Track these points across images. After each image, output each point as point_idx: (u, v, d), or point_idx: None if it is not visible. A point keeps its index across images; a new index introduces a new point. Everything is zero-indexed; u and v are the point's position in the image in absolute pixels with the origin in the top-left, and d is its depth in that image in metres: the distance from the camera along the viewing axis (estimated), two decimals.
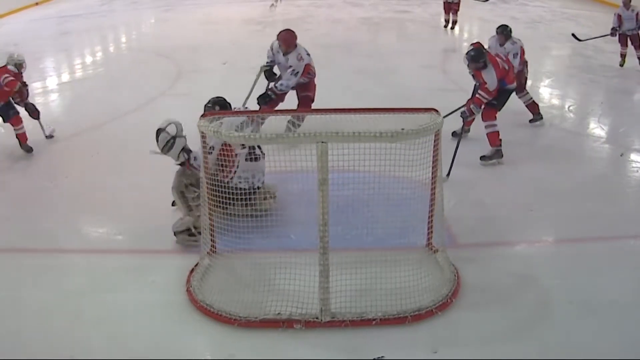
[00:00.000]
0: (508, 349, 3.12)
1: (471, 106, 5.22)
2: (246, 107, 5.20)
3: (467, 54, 5.18)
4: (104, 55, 10.64)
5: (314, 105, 5.68)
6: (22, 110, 5.80)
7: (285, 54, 5.59)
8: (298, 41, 5.66)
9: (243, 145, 4.08)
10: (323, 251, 3.18)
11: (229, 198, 3.60)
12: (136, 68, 9.21)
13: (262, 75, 5.81)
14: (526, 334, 3.24)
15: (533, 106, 6.26)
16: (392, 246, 3.85)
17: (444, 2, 11.18)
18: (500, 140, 5.31)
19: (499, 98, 5.26)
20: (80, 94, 8.08)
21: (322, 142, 3.05)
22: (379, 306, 3.33)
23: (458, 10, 11.07)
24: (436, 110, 3.44)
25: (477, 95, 5.20)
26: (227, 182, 3.96)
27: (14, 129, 5.67)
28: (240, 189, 3.90)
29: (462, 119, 5.29)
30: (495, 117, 5.31)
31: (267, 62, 5.78)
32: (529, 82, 6.51)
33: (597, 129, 6.50)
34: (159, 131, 3.91)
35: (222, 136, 3.26)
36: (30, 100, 5.96)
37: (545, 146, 5.89)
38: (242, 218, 3.68)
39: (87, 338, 3.28)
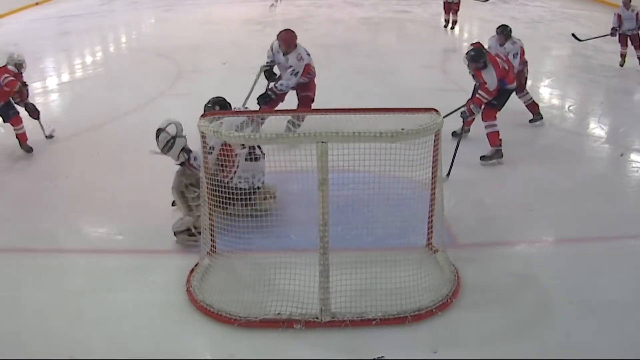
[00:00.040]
0: (508, 349, 3.12)
1: (471, 106, 5.22)
2: (246, 107, 5.20)
3: (467, 54, 5.18)
4: (104, 55, 10.64)
5: (314, 105, 5.68)
6: (22, 111, 5.79)
7: (285, 54, 5.59)
8: (298, 41, 5.66)
9: (243, 145, 4.08)
10: (323, 251, 3.18)
11: (229, 198, 3.60)
12: (136, 68, 9.21)
13: (262, 75, 5.81)
14: (526, 334, 3.24)
15: (533, 106, 6.26)
16: (392, 246, 3.85)
17: (444, 2, 11.18)
18: (500, 140, 5.31)
19: (499, 98, 5.26)
20: (80, 94, 8.08)
21: (322, 142, 3.05)
22: (379, 306, 3.33)
23: (458, 10, 11.06)
24: (436, 110, 3.44)
25: (477, 96, 5.20)
26: (227, 182, 3.96)
27: (14, 129, 5.66)
28: (240, 189, 3.90)
29: (462, 119, 5.29)
30: (495, 117, 5.31)
31: (267, 62, 5.78)
32: (529, 82, 6.52)
33: (597, 129, 6.50)
34: (159, 131, 3.91)
35: (222, 136, 3.26)
36: (30, 100, 5.95)
37: (545, 146, 5.89)
38: (242, 218, 3.68)
39: (87, 338, 3.28)
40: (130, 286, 3.72)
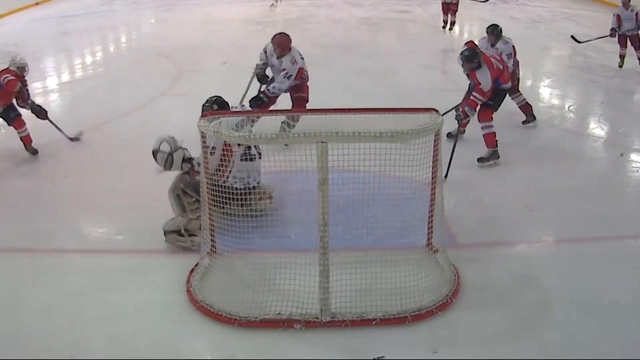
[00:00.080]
0: (508, 349, 3.12)
1: (466, 109, 5.17)
2: (243, 106, 5.19)
3: (461, 54, 5.15)
4: (104, 55, 10.64)
5: (311, 106, 5.67)
6: (28, 113, 5.77)
7: (279, 57, 5.57)
8: (297, 42, 5.65)
9: (239, 144, 4.08)
10: (323, 251, 3.18)
11: (225, 198, 3.61)
12: (136, 68, 9.21)
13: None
14: (526, 334, 3.24)
15: (526, 107, 6.19)
16: (392, 246, 3.85)
17: (442, 3, 11.14)
18: (497, 141, 5.30)
19: (495, 98, 5.23)
20: (80, 94, 8.08)
21: (322, 142, 3.05)
22: (379, 306, 3.33)
23: (456, 11, 11.04)
24: (436, 110, 3.44)
25: (471, 97, 5.17)
26: (224, 182, 3.96)
27: (18, 132, 5.65)
28: (236, 188, 3.90)
29: (457, 121, 5.25)
30: (492, 118, 5.29)
31: (260, 65, 5.76)
32: (528, 83, 6.52)
33: (597, 129, 6.51)
34: (154, 152, 3.99)
35: (222, 136, 3.26)
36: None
37: (545, 146, 5.88)
38: (238, 218, 3.68)
39: (87, 338, 3.28)
40: (130, 286, 3.72)
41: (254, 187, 4.20)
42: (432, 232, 3.81)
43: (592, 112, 7.02)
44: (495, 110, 5.33)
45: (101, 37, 12.08)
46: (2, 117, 5.63)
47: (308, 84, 5.77)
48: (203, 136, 3.49)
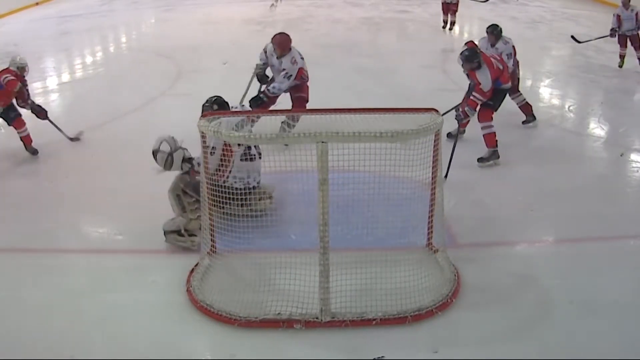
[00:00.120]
0: (508, 349, 3.12)
1: (466, 109, 5.17)
2: (242, 106, 5.20)
3: (461, 54, 5.14)
4: (104, 55, 10.64)
5: (312, 106, 5.67)
6: (28, 113, 5.77)
7: (279, 57, 5.57)
8: (297, 42, 5.65)
9: (239, 144, 4.08)
10: (323, 251, 3.18)
11: (225, 198, 3.61)
12: (136, 68, 9.21)
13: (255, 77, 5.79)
14: (526, 334, 3.24)
15: (526, 107, 6.18)
16: (392, 246, 3.85)
17: (442, 3, 11.14)
18: (497, 141, 5.29)
19: (495, 98, 5.22)
20: (80, 94, 8.08)
21: (322, 142, 3.05)
22: (379, 306, 3.33)
23: (456, 11, 11.04)
24: (436, 110, 3.44)
25: (471, 97, 5.16)
26: (223, 182, 3.96)
27: (18, 132, 5.65)
28: (236, 189, 3.90)
29: (457, 121, 5.25)
30: (492, 118, 5.28)
31: (260, 65, 5.76)
32: (528, 83, 6.52)
33: (597, 129, 6.51)
34: (154, 153, 3.99)
35: (222, 136, 3.26)
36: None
37: (545, 146, 5.88)
38: (238, 218, 3.68)
39: (87, 338, 3.28)
40: (130, 286, 3.72)
41: (254, 187, 4.20)
42: (432, 232, 3.81)
43: (592, 112, 7.02)
44: (496, 110, 5.32)
45: (101, 37, 12.08)
46: (2, 117, 5.63)
47: (308, 84, 5.77)
48: (203, 136, 3.49)
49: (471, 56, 5.07)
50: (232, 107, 4.31)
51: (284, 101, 5.81)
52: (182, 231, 4.02)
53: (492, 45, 5.99)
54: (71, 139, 6.00)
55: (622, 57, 8.53)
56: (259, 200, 4.21)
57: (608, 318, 3.34)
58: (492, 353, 3.09)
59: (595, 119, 6.78)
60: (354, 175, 3.39)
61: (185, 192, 4.10)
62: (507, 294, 3.57)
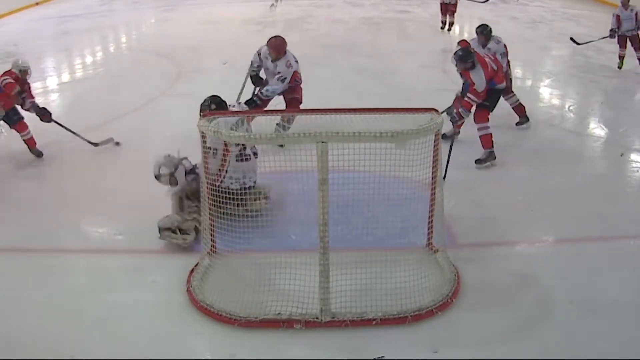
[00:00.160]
0: (508, 349, 3.12)
1: (460, 110, 5.13)
2: (240, 104, 5.19)
3: (455, 53, 5.12)
4: (104, 55, 10.63)
5: (311, 106, 5.65)
6: (32, 115, 5.76)
7: (274, 60, 5.56)
8: (297, 42, 5.64)
9: (236, 144, 4.09)
10: (323, 251, 3.18)
11: (222, 199, 3.62)
12: (136, 68, 9.21)
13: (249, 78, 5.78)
14: (526, 334, 3.25)
15: (520, 108, 6.13)
16: (392, 246, 3.85)
17: (441, 4, 11.08)
18: (493, 142, 5.27)
19: (490, 99, 5.20)
20: (80, 94, 8.08)
21: (322, 142, 3.06)
22: (379, 306, 3.33)
23: (455, 11, 10.98)
24: (436, 110, 3.45)
25: (465, 99, 5.13)
26: (220, 183, 3.97)
27: (21, 135, 5.63)
28: (232, 189, 3.90)
29: (451, 123, 5.18)
30: (488, 118, 5.26)
31: (254, 67, 5.74)
32: (528, 83, 6.51)
33: (597, 129, 6.51)
34: (157, 178, 4.07)
35: (222, 136, 3.26)
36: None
37: (545, 146, 5.88)
38: (237, 218, 3.68)
39: (87, 338, 3.28)
40: (130, 286, 3.72)
41: (249, 187, 4.20)
42: (432, 232, 3.81)
43: (592, 112, 7.02)
44: (491, 111, 5.30)
45: (101, 37, 12.07)
46: (4, 120, 5.61)
47: (301, 86, 5.77)
48: (203, 136, 3.49)
49: (465, 56, 5.03)
50: (230, 106, 4.31)
51: (278, 103, 5.80)
52: (174, 228, 4.03)
53: (484, 46, 5.87)
54: (94, 145, 5.78)
55: (621, 58, 8.48)
56: (255, 200, 4.20)
57: (608, 318, 3.34)
58: (492, 353, 3.09)
59: (595, 119, 6.79)
60: (354, 175, 3.39)
61: (188, 197, 4.12)
62: (507, 294, 3.57)
